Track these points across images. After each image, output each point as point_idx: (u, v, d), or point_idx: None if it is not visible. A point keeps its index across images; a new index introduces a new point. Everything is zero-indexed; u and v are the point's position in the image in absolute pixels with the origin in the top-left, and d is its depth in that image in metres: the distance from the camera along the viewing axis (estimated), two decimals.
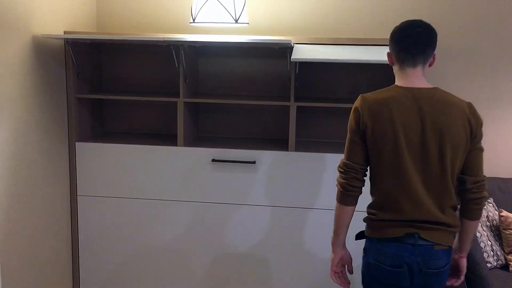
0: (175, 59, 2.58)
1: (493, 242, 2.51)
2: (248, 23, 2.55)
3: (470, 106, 1.73)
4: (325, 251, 2.65)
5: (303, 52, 2.41)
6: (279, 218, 2.65)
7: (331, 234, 1.87)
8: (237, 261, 2.73)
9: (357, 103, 1.77)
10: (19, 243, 2.32)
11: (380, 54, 2.36)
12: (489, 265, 2.45)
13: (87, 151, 2.72)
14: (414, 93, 1.71)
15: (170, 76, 2.87)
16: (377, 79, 2.80)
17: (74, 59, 2.61)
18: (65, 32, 2.62)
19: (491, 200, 2.67)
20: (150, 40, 2.59)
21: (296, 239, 2.66)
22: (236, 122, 2.95)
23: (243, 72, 2.89)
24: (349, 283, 1.91)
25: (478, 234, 2.46)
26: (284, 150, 2.61)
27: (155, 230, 2.75)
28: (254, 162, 2.61)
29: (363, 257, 1.83)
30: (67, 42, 2.59)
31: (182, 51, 2.55)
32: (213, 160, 2.63)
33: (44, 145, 2.49)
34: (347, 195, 1.77)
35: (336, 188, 1.81)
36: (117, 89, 2.98)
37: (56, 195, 2.63)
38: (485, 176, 1.76)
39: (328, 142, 2.86)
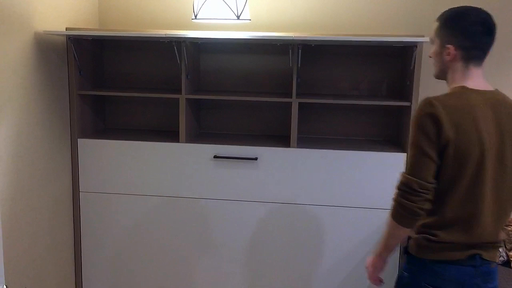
0: (177, 55, 2.58)
1: None
2: (250, 20, 2.54)
3: None
4: (328, 248, 2.65)
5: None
6: (281, 214, 2.65)
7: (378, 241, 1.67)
8: (238, 258, 2.74)
9: (431, 109, 1.46)
10: (22, 239, 2.33)
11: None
12: None
13: (89, 147, 2.72)
14: (487, 98, 1.51)
15: (172, 73, 2.87)
16: (378, 74, 2.81)
17: (76, 56, 2.62)
18: (67, 29, 2.62)
19: None
20: (152, 37, 2.59)
21: (299, 236, 2.67)
22: (238, 118, 2.95)
23: (245, 69, 2.89)
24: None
25: None
26: (286, 147, 2.61)
27: (157, 227, 2.75)
28: (256, 159, 2.61)
29: (406, 277, 1.63)
30: (69, 38, 2.59)
31: (184, 48, 2.55)
32: (215, 157, 2.63)
33: (46, 141, 2.50)
34: (413, 220, 1.52)
35: (394, 206, 1.54)
36: (119, 86, 2.99)
37: (58, 191, 2.64)
38: None
39: (330, 138, 2.86)
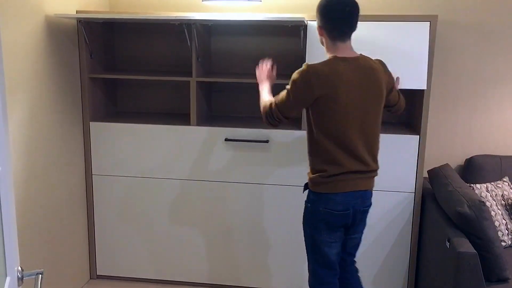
0: (188, 38, 2.57)
1: (507, 221, 2.49)
2: (260, 1, 2.52)
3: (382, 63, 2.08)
4: None
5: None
6: (292, 197, 2.66)
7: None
8: (248, 239, 2.75)
9: (307, 75, 1.93)
10: (36, 221, 2.36)
11: (393, 29, 2.32)
12: (503, 243, 2.44)
13: (101, 130, 2.73)
14: (352, 64, 1.95)
15: (182, 55, 2.86)
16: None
17: (86, 39, 2.61)
18: (77, 12, 2.61)
19: (506, 179, 2.64)
20: (162, 19, 2.58)
21: None
22: (249, 101, 2.94)
23: (256, 51, 2.87)
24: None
25: (492, 213, 2.44)
26: (297, 129, 2.60)
27: (168, 209, 2.77)
28: (267, 141, 2.61)
29: (309, 206, 2.09)
30: (79, 21, 2.59)
31: (195, 30, 2.54)
32: (226, 139, 2.63)
33: (58, 125, 2.51)
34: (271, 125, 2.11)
35: (266, 113, 2.09)
36: (130, 69, 2.99)
37: (72, 174, 2.66)
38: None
39: None
